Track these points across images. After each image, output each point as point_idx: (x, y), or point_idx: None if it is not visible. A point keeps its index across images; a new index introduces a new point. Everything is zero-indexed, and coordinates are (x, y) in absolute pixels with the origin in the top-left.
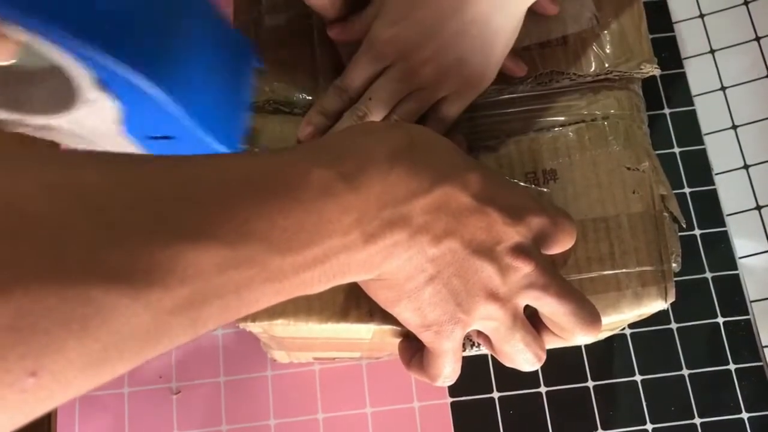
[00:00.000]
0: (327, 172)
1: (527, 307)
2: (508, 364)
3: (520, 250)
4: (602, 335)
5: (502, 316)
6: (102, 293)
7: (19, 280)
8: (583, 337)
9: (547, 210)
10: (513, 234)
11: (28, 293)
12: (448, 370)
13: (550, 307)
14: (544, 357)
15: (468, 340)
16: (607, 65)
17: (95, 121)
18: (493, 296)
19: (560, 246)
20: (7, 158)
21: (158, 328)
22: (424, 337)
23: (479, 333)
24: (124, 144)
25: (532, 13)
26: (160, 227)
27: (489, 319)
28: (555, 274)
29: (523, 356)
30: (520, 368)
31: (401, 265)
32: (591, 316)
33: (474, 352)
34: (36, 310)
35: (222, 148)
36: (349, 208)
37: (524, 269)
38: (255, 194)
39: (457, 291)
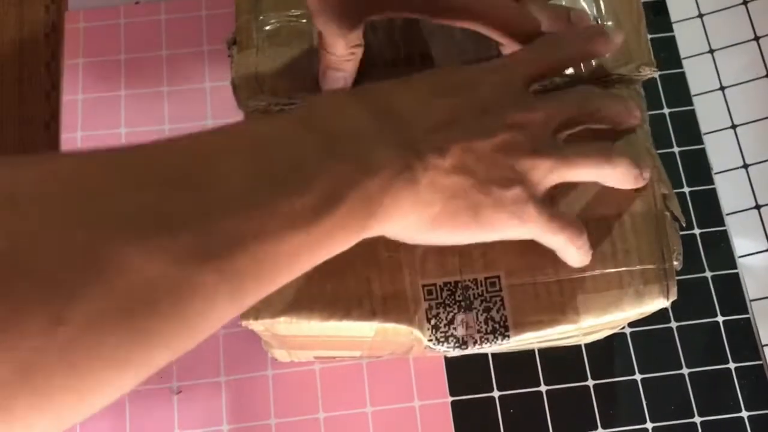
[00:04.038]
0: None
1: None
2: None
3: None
4: (602, 334)
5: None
6: (102, 243)
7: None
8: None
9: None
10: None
11: (36, 246)
12: (566, 230)
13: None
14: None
15: (471, 338)
16: (606, 68)
17: None
18: (524, 156)
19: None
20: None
21: (182, 280)
22: (522, 232)
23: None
24: None
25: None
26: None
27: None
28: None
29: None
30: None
31: (436, 192)
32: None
33: (475, 350)
34: (38, 262)
35: None
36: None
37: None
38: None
39: (496, 171)
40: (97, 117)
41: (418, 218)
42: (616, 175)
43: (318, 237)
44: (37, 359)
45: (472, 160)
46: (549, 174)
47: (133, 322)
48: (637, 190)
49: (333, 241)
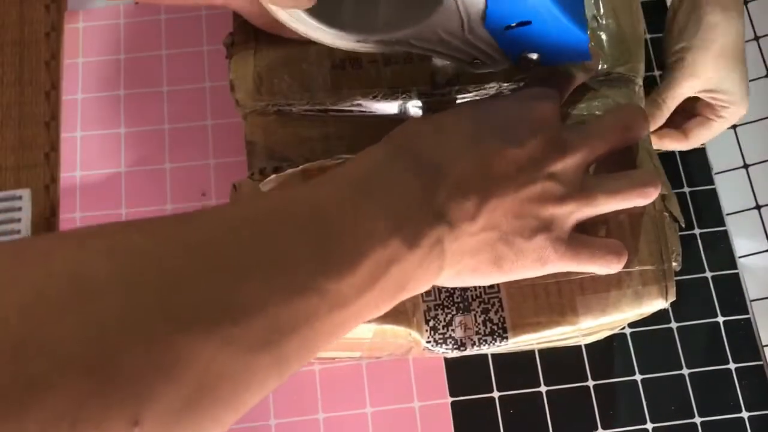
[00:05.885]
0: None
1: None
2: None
3: (551, 201)
4: (602, 335)
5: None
6: (181, 336)
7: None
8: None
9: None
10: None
11: (113, 347)
12: (596, 261)
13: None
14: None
15: (469, 340)
16: (605, 66)
17: (446, 25)
18: (550, 203)
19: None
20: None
21: (243, 367)
22: (549, 268)
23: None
24: (462, 47)
25: None
26: (216, 271)
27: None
28: (591, 187)
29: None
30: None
31: (464, 252)
32: (643, 183)
33: (474, 351)
34: (123, 361)
35: (575, 29)
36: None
37: (563, 210)
38: (293, 229)
39: (521, 224)
40: (96, 117)
41: (442, 277)
42: (646, 203)
43: (354, 313)
44: None
45: (500, 215)
46: (574, 215)
47: (197, 413)
48: None
49: (364, 315)
